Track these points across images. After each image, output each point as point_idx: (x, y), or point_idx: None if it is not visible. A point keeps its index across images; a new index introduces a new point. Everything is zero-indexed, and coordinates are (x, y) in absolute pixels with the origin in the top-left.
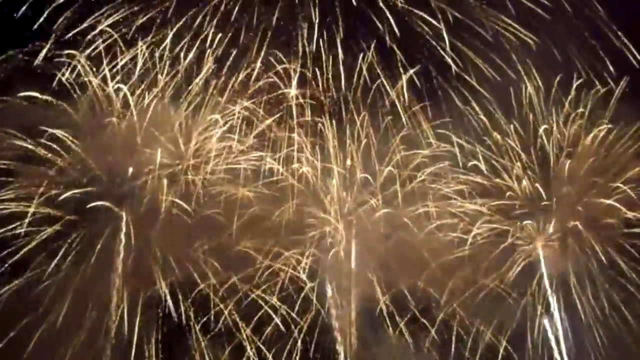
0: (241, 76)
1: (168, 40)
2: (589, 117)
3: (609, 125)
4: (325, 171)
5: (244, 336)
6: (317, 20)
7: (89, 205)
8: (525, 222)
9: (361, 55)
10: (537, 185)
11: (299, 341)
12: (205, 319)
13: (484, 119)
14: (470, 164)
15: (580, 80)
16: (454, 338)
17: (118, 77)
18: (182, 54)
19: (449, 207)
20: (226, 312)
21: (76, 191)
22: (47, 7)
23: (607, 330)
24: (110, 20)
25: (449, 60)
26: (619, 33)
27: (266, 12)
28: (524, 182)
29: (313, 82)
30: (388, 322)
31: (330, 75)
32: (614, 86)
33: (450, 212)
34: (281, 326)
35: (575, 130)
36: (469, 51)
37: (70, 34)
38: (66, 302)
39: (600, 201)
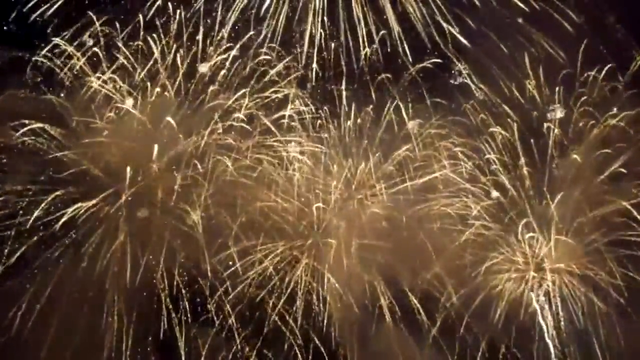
0: (243, 74)
1: (173, 31)
2: (593, 113)
3: (613, 121)
4: (326, 168)
5: (242, 337)
6: (319, 19)
7: (85, 205)
8: (526, 220)
9: (363, 53)
10: (540, 184)
11: (296, 341)
12: (203, 318)
13: (487, 117)
14: (470, 162)
15: (584, 76)
16: (458, 338)
17: (116, 74)
18: (181, 51)
19: (451, 207)
20: (226, 311)
21: (71, 190)
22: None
23: (611, 335)
24: (108, 16)
25: (452, 57)
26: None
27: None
28: (527, 181)
29: (314, 80)
30: (389, 320)
31: (332, 73)
32: (618, 84)
33: (452, 210)
34: (281, 325)
35: (579, 127)
36: (473, 47)
37: (67, 33)
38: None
39: (605, 199)
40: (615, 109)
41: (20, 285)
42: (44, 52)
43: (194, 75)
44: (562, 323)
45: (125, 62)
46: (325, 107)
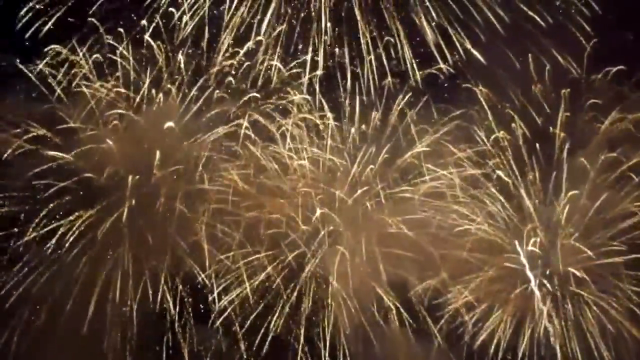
0: (247, 81)
1: (178, 37)
2: (599, 116)
3: (620, 124)
4: (330, 175)
5: (246, 345)
6: (323, 25)
7: (86, 213)
8: (532, 225)
9: (368, 59)
10: (546, 188)
11: (301, 349)
12: (207, 326)
13: (492, 122)
14: (476, 167)
15: (590, 79)
16: (464, 344)
17: (120, 82)
18: (185, 57)
19: (456, 212)
20: (231, 318)
21: (73, 197)
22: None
23: (620, 340)
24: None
25: (458, 62)
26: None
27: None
28: (533, 186)
29: (319, 86)
30: (395, 327)
31: (337, 80)
32: (624, 87)
33: (457, 216)
34: (285, 332)
35: (585, 130)
36: (478, 53)
37: (71, 40)
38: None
39: (613, 202)
40: (622, 112)
41: (21, 293)
42: (46, 59)
43: (198, 81)
44: (570, 331)
45: (130, 69)
46: (329, 114)
